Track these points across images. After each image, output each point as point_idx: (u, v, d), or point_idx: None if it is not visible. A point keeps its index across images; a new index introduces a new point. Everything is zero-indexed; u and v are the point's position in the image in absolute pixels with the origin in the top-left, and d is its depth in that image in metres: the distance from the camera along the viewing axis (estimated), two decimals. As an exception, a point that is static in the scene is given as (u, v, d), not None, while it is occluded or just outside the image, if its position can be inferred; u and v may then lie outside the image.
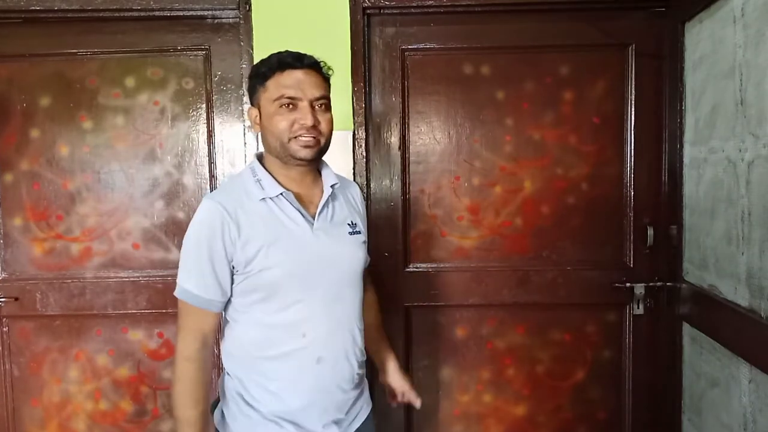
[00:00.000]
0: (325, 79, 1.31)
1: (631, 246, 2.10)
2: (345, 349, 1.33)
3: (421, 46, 2.08)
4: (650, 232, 2.07)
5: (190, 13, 2.03)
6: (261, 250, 1.23)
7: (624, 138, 2.09)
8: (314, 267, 1.27)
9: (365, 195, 2.05)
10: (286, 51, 1.29)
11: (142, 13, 2.02)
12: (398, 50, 2.08)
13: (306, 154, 1.26)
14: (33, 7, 1.99)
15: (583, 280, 2.11)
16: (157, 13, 2.02)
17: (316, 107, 1.26)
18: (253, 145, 2.04)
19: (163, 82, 2.11)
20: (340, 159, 2.02)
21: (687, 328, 1.97)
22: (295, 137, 1.25)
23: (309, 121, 1.23)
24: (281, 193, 1.28)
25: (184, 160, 2.14)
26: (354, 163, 2.02)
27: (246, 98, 2.02)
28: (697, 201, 1.87)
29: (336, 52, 2.00)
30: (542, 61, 2.08)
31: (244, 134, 2.06)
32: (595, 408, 2.17)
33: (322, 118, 1.27)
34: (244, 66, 2.01)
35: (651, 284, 2.08)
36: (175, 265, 2.11)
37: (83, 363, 2.17)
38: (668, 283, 2.06)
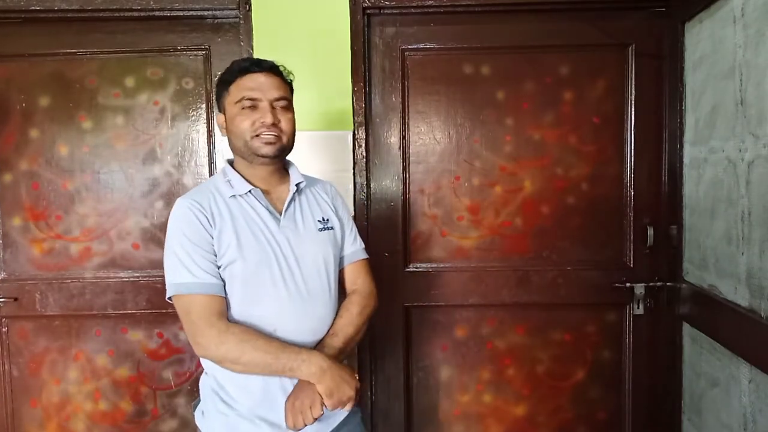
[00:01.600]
0: (286, 82, 1.38)
1: (631, 246, 2.10)
2: (315, 344, 1.33)
3: (421, 46, 2.08)
4: (650, 232, 2.07)
5: (190, 13, 2.03)
6: (231, 243, 1.27)
7: (624, 138, 2.09)
8: (282, 262, 1.31)
9: (365, 195, 2.05)
10: (247, 57, 1.36)
11: (142, 13, 2.02)
12: (398, 50, 2.08)
13: (268, 150, 1.32)
14: (33, 7, 1.99)
15: (583, 280, 2.11)
16: (157, 13, 2.02)
17: (277, 107, 1.33)
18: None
19: (162, 82, 2.11)
20: (340, 159, 2.02)
21: (687, 328, 1.97)
22: (257, 135, 1.31)
23: (269, 119, 1.30)
24: (250, 191, 1.34)
25: (184, 160, 2.13)
26: (354, 163, 2.02)
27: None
28: (697, 201, 1.87)
29: (336, 52, 2.00)
30: (542, 61, 2.08)
31: (244, 134, 2.06)
32: (595, 408, 2.17)
33: (283, 118, 1.33)
34: (244, 66, 2.01)
35: (651, 284, 2.08)
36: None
37: (83, 363, 2.17)
38: (668, 283, 2.06)
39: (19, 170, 2.13)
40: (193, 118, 2.12)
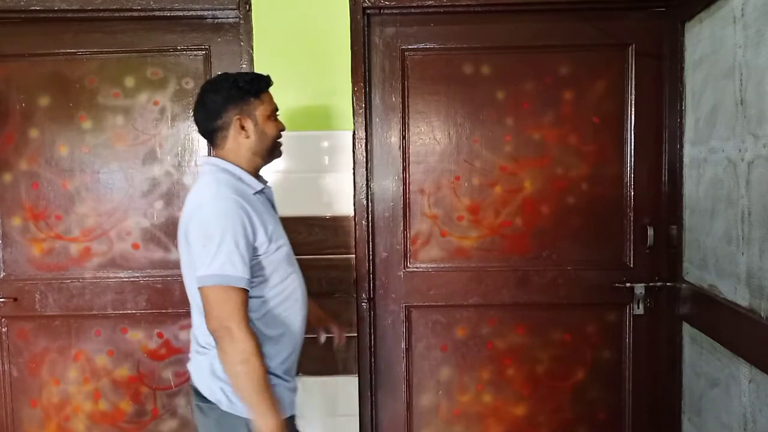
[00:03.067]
0: None
1: (631, 246, 2.10)
2: (309, 310, 1.59)
3: (421, 46, 2.08)
4: (650, 232, 2.07)
5: (190, 13, 2.03)
6: (273, 231, 1.45)
7: (624, 138, 2.09)
8: (290, 246, 1.55)
9: (365, 195, 2.05)
10: (263, 75, 1.53)
11: (142, 13, 2.02)
12: (398, 50, 2.08)
13: (281, 154, 1.57)
14: (33, 7, 1.99)
15: (583, 280, 2.11)
16: (157, 13, 2.02)
17: None
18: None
19: (162, 82, 2.11)
20: (340, 159, 2.02)
21: (687, 328, 1.97)
22: (279, 140, 1.54)
23: (284, 127, 1.55)
24: (262, 189, 1.52)
25: (184, 160, 2.13)
26: (354, 163, 2.02)
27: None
28: (697, 201, 1.87)
29: (336, 52, 2.00)
30: (542, 61, 2.08)
31: (244, 134, 2.06)
32: (595, 408, 2.17)
33: None
34: (244, 66, 2.01)
35: (651, 284, 2.08)
36: (175, 265, 2.13)
37: (82, 363, 2.17)
38: (668, 283, 2.06)
39: (18, 170, 2.13)
40: (193, 118, 2.12)
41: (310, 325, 1.69)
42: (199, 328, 1.46)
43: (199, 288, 1.37)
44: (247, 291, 1.37)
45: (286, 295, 1.48)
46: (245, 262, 1.36)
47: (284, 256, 1.49)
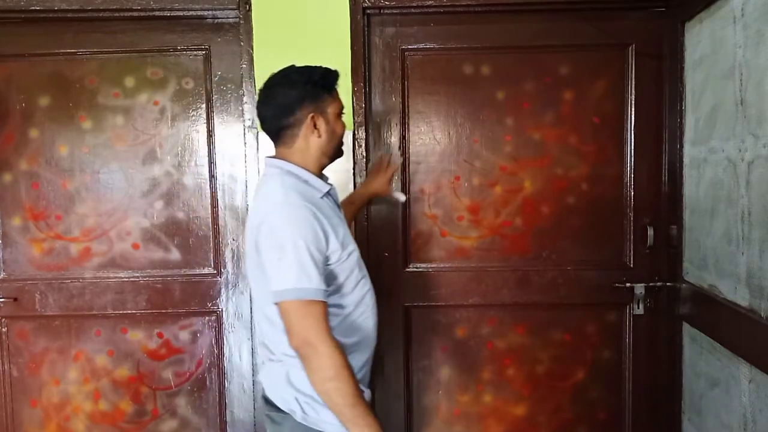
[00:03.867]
0: None
1: (631, 246, 2.10)
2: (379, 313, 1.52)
3: (421, 46, 2.08)
4: (650, 232, 2.07)
5: (190, 13, 2.03)
6: (344, 236, 1.40)
7: (624, 138, 2.09)
8: (358, 249, 1.47)
9: (365, 195, 2.05)
10: (332, 69, 1.45)
11: (142, 13, 2.02)
12: (398, 50, 2.08)
13: (343, 151, 1.53)
14: (33, 7, 1.99)
15: (583, 280, 2.11)
16: (157, 13, 2.02)
17: None
18: (253, 145, 2.04)
19: (162, 82, 2.11)
20: (340, 159, 2.01)
21: (687, 328, 1.97)
22: (342, 140, 1.49)
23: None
24: (329, 190, 1.45)
25: (184, 160, 2.13)
26: (354, 163, 2.02)
27: (246, 98, 2.03)
28: (697, 201, 1.87)
29: (336, 52, 2.00)
30: (542, 61, 2.08)
31: (244, 134, 2.06)
32: (595, 408, 2.17)
33: None
34: (244, 66, 2.01)
35: (651, 284, 2.08)
36: (175, 265, 2.13)
37: (82, 363, 2.17)
38: (668, 283, 2.06)
39: (18, 170, 2.13)
40: (193, 118, 2.12)
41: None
42: (269, 338, 1.42)
43: (276, 303, 1.30)
44: (326, 302, 1.31)
45: (360, 301, 1.43)
46: (320, 273, 1.30)
47: (356, 260, 1.43)
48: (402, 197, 1.97)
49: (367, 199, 1.93)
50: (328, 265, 1.35)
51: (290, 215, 1.31)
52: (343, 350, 1.29)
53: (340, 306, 1.39)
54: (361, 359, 1.43)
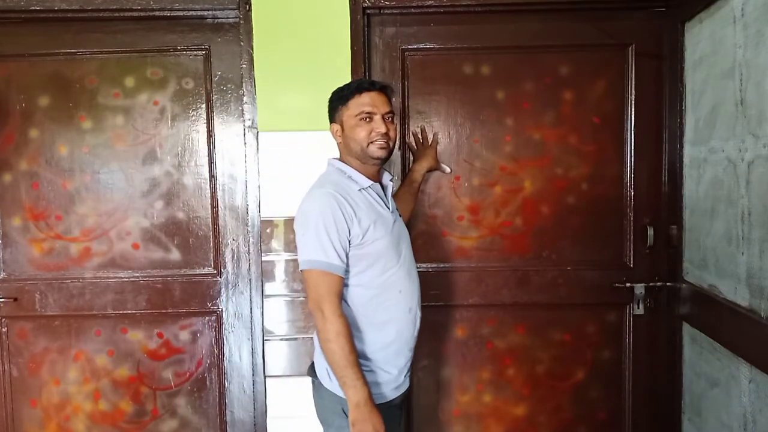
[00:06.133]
0: (390, 99, 1.67)
1: (631, 246, 2.10)
2: (419, 301, 1.69)
3: (421, 46, 2.08)
4: (650, 232, 2.07)
5: (190, 13, 2.03)
6: (371, 226, 1.56)
7: (624, 138, 2.09)
8: (396, 241, 1.63)
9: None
10: (362, 79, 1.72)
11: (142, 13, 2.02)
12: (398, 50, 2.08)
13: (381, 154, 1.61)
14: (33, 7, 1.99)
15: (583, 280, 2.11)
16: (157, 13, 2.02)
17: (386, 119, 1.62)
18: (253, 145, 2.04)
19: (162, 82, 2.11)
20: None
21: (687, 328, 1.97)
22: (372, 142, 1.60)
23: (383, 129, 1.60)
24: (370, 186, 1.62)
25: (184, 160, 2.13)
26: (354, 163, 2.02)
27: (246, 98, 2.04)
28: (697, 201, 1.87)
29: (336, 52, 2.00)
30: (542, 61, 2.08)
31: (244, 134, 2.06)
32: (595, 408, 2.17)
33: (390, 127, 1.63)
34: (244, 66, 2.01)
35: (651, 284, 2.08)
36: (175, 265, 2.14)
37: (82, 363, 2.17)
38: (668, 283, 2.06)
39: (18, 170, 2.13)
40: (193, 118, 2.12)
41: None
42: None
43: (300, 271, 1.56)
44: (341, 277, 1.53)
45: (386, 286, 1.59)
46: (337, 250, 1.50)
47: (383, 248, 1.58)
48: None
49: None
50: (351, 247, 1.54)
51: (316, 201, 1.55)
52: (345, 320, 1.51)
53: (364, 286, 1.58)
54: (387, 338, 1.61)
